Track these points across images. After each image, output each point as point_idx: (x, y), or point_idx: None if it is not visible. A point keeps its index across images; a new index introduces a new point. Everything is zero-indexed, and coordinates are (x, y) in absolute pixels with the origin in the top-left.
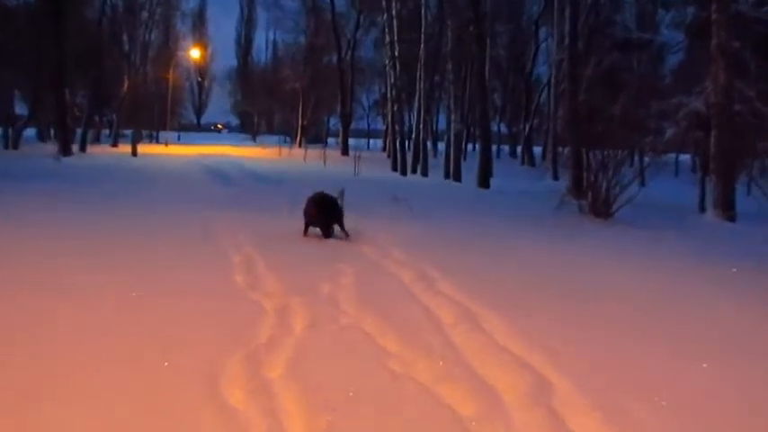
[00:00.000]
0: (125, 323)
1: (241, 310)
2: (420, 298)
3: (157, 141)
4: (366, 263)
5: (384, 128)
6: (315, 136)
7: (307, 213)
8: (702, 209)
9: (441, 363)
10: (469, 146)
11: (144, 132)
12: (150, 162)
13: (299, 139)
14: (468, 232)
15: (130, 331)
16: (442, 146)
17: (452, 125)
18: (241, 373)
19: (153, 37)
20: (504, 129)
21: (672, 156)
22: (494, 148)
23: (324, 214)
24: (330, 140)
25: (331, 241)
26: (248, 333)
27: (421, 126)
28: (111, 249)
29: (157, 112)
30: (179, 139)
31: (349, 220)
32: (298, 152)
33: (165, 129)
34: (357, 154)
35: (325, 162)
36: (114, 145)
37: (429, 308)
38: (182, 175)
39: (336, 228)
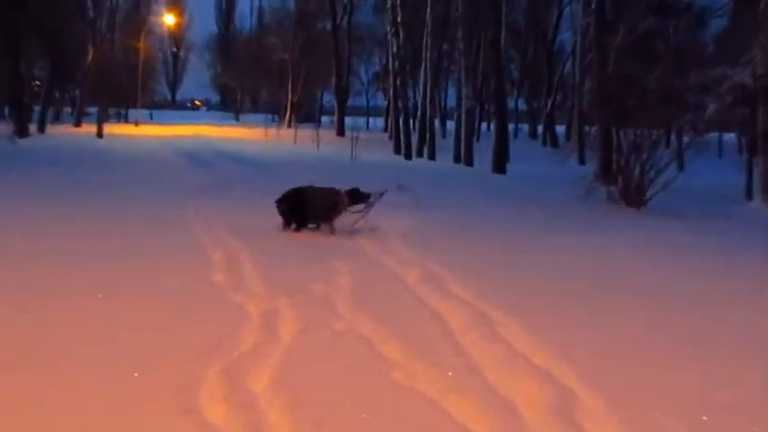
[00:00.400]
0: (90, 328)
1: (222, 314)
2: (426, 300)
3: (126, 120)
4: (365, 260)
5: (385, 105)
6: (306, 114)
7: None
8: (750, 195)
9: (450, 373)
10: (483, 125)
11: (111, 110)
12: (118, 144)
13: (288, 117)
14: (481, 224)
15: (96, 337)
16: (451, 125)
17: (463, 101)
18: (222, 385)
19: (121, 0)
20: (522, 105)
21: (714, 135)
22: (511, 127)
23: (287, 207)
24: (324, 119)
25: (323, 236)
26: (230, 340)
27: (428, 102)
28: (75, 245)
29: (126, 87)
30: (151, 117)
31: (347, 212)
32: (287, 133)
33: (135, 106)
34: (355, 135)
35: (318, 144)
36: (77, 124)
37: (437, 311)
38: (154, 160)
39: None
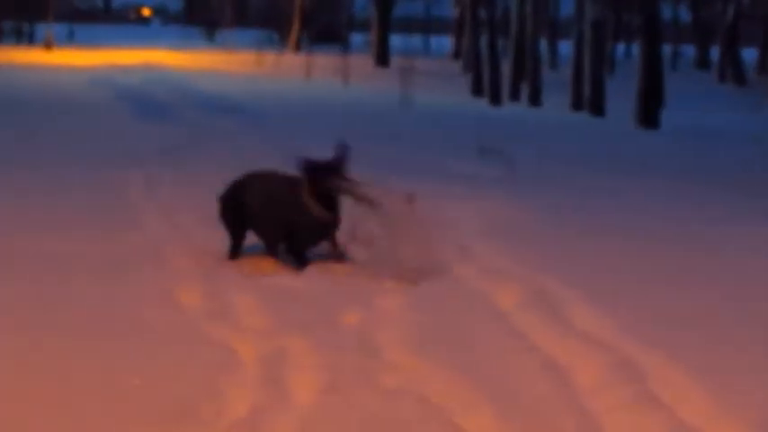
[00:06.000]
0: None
1: (197, 359)
2: (533, 338)
3: (32, 42)
4: (427, 270)
5: (456, 16)
6: (326, 30)
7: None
8: None
9: None
10: (619, 48)
11: (7, 26)
12: (20, 80)
13: (295, 36)
14: (621, 212)
15: (6, 396)
16: (567, 48)
17: (587, 9)
18: None
19: None
20: (685, 15)
21: None
22: (666, 50)
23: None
24: (355, 39)
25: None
26: (211, 402)
27: (527, 12)
28: None
29: None
30: (72, 36)
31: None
32: (294, 60)
33: (45, 18)
34: (407, 64)
35: (347, 79)
36: None
37: (552, 357)
38: (79, 105)
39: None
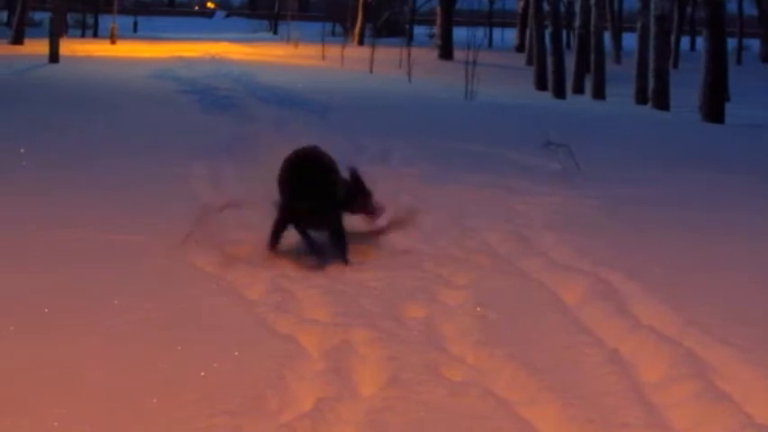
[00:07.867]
0: (49, 377)
1: (262, 351)
2: (598, 332)
3: (96, 34)
4: (492, 263)
5: (520, 8)
6: (389, 24)
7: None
8: None
9: None
10: (684, 41)
11: (71, 18)
12: (84, 73)
13: (359, 29)
14: (686, 206)
15: (66, 388)
16: (631, 41)
17: (652, 2)
18: None
19: None
20: (750, 8)
21: None
22: (731, 44)
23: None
24: (418, 32)
25: (424, 226)
26: (277, 394)
27: (591, 4)
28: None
29: None
30: (136, 29)
31: (461, 186)
32: (358, 53)
33: (109, 11)
34: (470, 58)
35: (410, 73)
36: (17, 41)
37: (617, 351)
38: (142, 98)
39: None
